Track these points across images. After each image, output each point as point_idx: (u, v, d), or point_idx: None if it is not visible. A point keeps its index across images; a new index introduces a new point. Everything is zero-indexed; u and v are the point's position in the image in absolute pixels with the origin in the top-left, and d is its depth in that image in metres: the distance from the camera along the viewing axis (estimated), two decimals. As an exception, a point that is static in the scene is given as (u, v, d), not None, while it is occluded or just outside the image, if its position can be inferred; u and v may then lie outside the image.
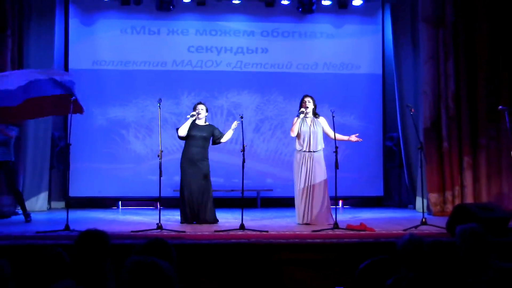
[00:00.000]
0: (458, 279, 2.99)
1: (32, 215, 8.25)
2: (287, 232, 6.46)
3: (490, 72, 8.46)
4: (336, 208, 7.09)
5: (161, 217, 6.67)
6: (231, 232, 6.34)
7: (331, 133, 7.28)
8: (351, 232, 6.46)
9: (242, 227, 6.50)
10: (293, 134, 7.28)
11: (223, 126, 8.17)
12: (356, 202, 9.88)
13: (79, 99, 6.60)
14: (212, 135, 7.41)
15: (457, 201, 8.22)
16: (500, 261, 3.57)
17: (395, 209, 9.32)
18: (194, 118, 7.33)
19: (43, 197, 9.02)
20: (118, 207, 9.55)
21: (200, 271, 5.37)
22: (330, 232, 6.42)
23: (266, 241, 5.84)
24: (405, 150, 9.28)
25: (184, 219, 7.28)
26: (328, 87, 9.59)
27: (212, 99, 9.42)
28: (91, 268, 3.24)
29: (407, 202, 9.55)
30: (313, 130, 7.27)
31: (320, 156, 7.30)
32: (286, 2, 9.34)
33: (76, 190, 9.17)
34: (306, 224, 7.11)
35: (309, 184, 7.20)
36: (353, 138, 7.43)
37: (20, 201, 7.56)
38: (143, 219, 7.73)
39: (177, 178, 9.28)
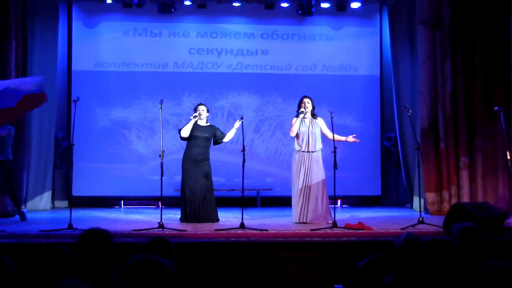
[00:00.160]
0: (454, 276, 3.00)
1: (36, 214, 8.30)
2: (286, 231, 6.47)
3: (486, 73, 8.46)
4: (334, 207, 7.11)
5: (163, 216, 6.68)
6: (231, 231, 6.35)
7: (328, 133, 7.29)
8: (350, 231, 6.47)
9: (242, 226, 6.50)
10: (293, 134, 7.29)
11: (223, 127, 8.17)
12: (355, 202, 9.88)
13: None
14: (214, 135, 7.42)
15: (454, 201, 8.22)
16: (495, 259, 3.58)
17: (393, 208, 9.32)
18: (196, 119, 7.33)
19: (46, 196, 9.03)
20: (120, 206, 9.54)
21: (201, 269, 5.37)
22: (329, 231, 6.43)
23: (266, 240, 5.85)
24: (403, 150, 9.28)
25: (184, 218, 7.28)
26: (327, 89, 9.59)
27: (213, 100, 9.42)
28: (94, 266, 3.24)
29: (404, 202, 9.55)
30: (311, 130, 7.28)
31: (318, 156, 7.30)
32: (285, 5, 9.33)
33: (79, 189, 9.17)
34: (304, 223, 7.11)
35: (307, 183, 7.21)
36: (350, 138, 7.43)
37: (14, 200, 7.52)
38: (145, 218, 7.73)
39: (178, 178, 9.27)
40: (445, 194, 8.42)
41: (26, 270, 2.91)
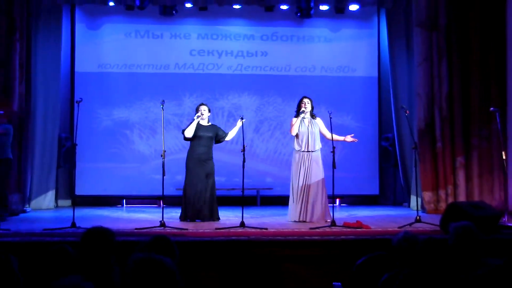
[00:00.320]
0: (451, 274, 2.99)
1: (40, 213, 8.32)
2: (286, 230, 6.47)
3: (482, 74, 8.46)
4: (333, 206, 7.10)
5: (164, 215, 6.68)
6: (231, 230, 6.35)
7: (327, 133, 7.29)
8: (348, 229, 6.47)
9: (242, 224, 6.50)
10: (293, 133, 7.29)
11: (224, 127, 8.15)
12: (353, 201, 9.87)
13: None
14: (216, 134, 7.42)
15: (450, 200, 8.22)
16: (491, 257, 3.58)
17: (391, 207, 9.32)
18: (199, 119, 7.33)
19: (50, 195, 9.03)
20: (122, 205, 9.54)
21: (201, 267, 5.37)
22: (328, 229, 6.43)
23: (266, 238, 5.84)
24: (400, 150, 9.28)
25: (185, 217, 7.26)
26: (326, 89, 9.59)
27: (214, 100, 9.41)
28: (97, 265, 3.24)
29: (402, 201, 9.55)
30: (311, 130, 7.28)
31: (318, 156, 7.31)
32: (285, 7, 9.33)
33: (82, 188, 9.17)
34: (303, 222, 7.10)
35: (307, 183, 7.21)
36: (349, 138, 7.44)
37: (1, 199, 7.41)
38: (146, 217, 7.72)
39: (180, 177, 9.27)
40: (442, 193, 8.42)
41: (30, 267, 2.91)
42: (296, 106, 7.51)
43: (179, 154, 9.37)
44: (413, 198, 8.67)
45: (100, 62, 9.53)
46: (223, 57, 9.76)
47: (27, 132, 8.38)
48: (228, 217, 7.41)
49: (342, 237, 5.93)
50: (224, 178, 9.19)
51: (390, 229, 6.49)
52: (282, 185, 9.45)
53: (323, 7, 9.33)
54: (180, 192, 9.16)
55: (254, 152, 9.58)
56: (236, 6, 9.28)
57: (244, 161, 6.71)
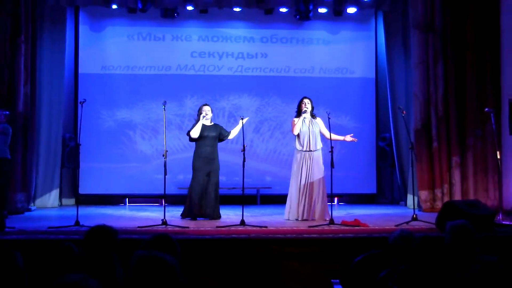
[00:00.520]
0: (447, 271, 3.00)
1: (44, 211, 8.34)
2: (285, 228, 6.48)
3: (477, 75, 8.46)
4: (331, 205, 7.11)
5: (166, 214, 6.68)
6: (232, 228, 6.36)
7: (327, 133, 7.29)
8: (346, 227, 6.47)
9: (242, 223, 6.50)
10: (296, 132, 7.29)
11: (224, 127, 8.16)
12: (351, 199, 9.87)
13: None
14: (219, 133, 7.44)
15: (446, 198, 8.22)
16: (486, 255, 3.58)
17: (388, 206, 9.32)
18: (204, 119, 7.34)
19: (54, 194, 9.04)
20: (125, 204, 9.54)
21: (203, 264, 5.37)
22: (326, 227, 6.43)
23: (265, 236, 5.84)
24: (397, 150, 9.28)
25: (188, 214, 7.24)
26: (324, 90, 9.58)
27: (214, 101, 9.40)
28: (100, 262, 3.24)
29: (398, 199, 9.55)
30: (312, 130, 7.28)
31: (319, 155, 7.30)
32: (284, 10, 9.33)
33: (86, 187, 9.17)
34: (305, 220, 7.09)
35: (309, 182, 7.20)
36: (348, 138, 7.44)
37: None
38: (149, 215, 7.73)
39: (181, 177, 9.31)
40: (438, 192, 8.42)
41: (35, 265, 2.91)
42: (296, 107, 7.51)
43: (180, 154, 9.39)
44: (409, 197, 8.66)
45: (103, 63, 9.53)
46: (224, 59, 9.76)
47: (32, 132, 8.38)
48: (229, 215, 7.41)
49: (341, 235, 5.93)
50: (225, 177, 9.16)
51: (387, 227, 6.49)
52: (281, 184, 9.45)
53: (322, 10, 9.33)
54: (182, 191, 9.19)
55: (254, 152, 9.58)
56: (236, 9, 9.27)
57: (244, 161, 6.71)
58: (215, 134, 7.39)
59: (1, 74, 8.10)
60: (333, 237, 5.81)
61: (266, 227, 6.40)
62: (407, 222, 6.66)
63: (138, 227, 6.36)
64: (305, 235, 5.88)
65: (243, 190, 6.90)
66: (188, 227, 6.38)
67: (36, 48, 8.57)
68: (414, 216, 6.83)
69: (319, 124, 7.38)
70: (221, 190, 7.56)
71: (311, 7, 9.05)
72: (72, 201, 9.29)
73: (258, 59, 9.81)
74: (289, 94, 9.60)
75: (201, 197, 7.23)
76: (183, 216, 7.32)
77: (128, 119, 9.53)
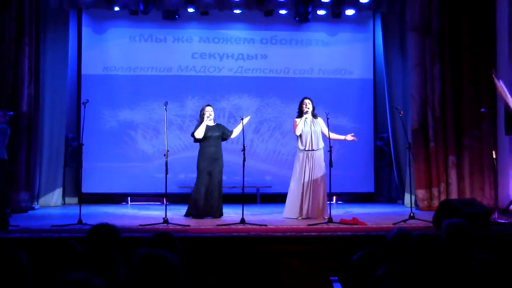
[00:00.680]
0: (443, 269, 3.00)
1: (48, 210, 8.35)
2: (284, 226, 6.48)
3: (473, 77, 8.47)
4: (330, 204, 7.11)
5: (167, 212, 6.68)
6: (232, 226, 6.36)
7: (328, 133, 7.30)
8: (344, 226, 6.47)
9: (242, 221, 6.50)
10: (298, 133, 7.29)
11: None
12: (349, 198, 9.87)
13: None
14: (222, 133, 7.44)
15: (443, 197, 8.23)
16: (481, 253, 3.58)
17: (385, 205, 9.32)
18: (208, 119, 7.34)
19: (58, 193, 9.04)
20: (127, 203, 9.54)
21: (203, 262, 5.37)
22: (325, 226, 6.43)
23: (265, 234, 5.85)
24: (395, 149, 9.27)
25: (192, 214, 7.23)
26: (323, 91, 9.57)
27: (215, 102, 9.39)
28: (102, 260, 3.24)
29: (396, 198, 9.55)
30: (313, 129, 7.29)
31: (321, 154, 7.30)
32: (283, 12, 9.33)
33: (89, 186, 9.17)
34: (309, 218, 7.07)
35: (312, 181, 7.19)
36: (349, 137, 7.46)
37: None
38: (150, 214, 7.73)
39: (182, 176, 9.32)
40: (435, 191, 8.42)
41: (39, 263, 2.91)
42: (297, 107, 7.52)
43: (181, 154, 9.39)
44: (407, 196, 8.66)
45: (106, 65, 9.53)
46: (224, 60, 9.76)
47: (35, 133, 8.38)
48: (229, 214, 7.40)
49: (339, 233, 5.94)
50: (226, 177, 9.11)
51: (385, 225, 6.49)
52: (281, 183, 9.46)
53: (321, 12, 9.33)
54: (183, 190, 9.22)
55: (254, 152, 9.58)
56: (237, 11, 9.28)
57: (244, 160, 6.71)
58: (219, 134, 7.40)
59: (5, 75, 8.10)
60: (331, 235, 5.81)
61: (266, 225, 6.40)
62: (404, 221, 6.66)
63: (140, 225, 6.36)
64: (304, 233, 5.89)
65: (243, 189, 6.90)
66: (189, 226, 6.38)
67: (39, 50, 8.57)
68: (412, 214, 6.83)
69: (320, 124, 7.37)
70: (223, 189, 7.56)
71: (310, 9, 9.05)
72: (75, 200, 9.29)
73: (258, 60, 9.81)
74: (288, 94, 9.60)
75: (205, 197, 7.23)
76: (187, 215, 7.31)
77: (130, 120, 9.53)
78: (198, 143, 7.47)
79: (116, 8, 8.98)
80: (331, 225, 6.45)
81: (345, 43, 9.87)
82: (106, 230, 3.39)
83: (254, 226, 6.33)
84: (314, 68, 9.83)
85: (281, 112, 9.70)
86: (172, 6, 8.96)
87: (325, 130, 7.35)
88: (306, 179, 7.20)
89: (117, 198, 9.55)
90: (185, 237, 5.53)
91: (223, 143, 7.60)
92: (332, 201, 8.74)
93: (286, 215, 7.26)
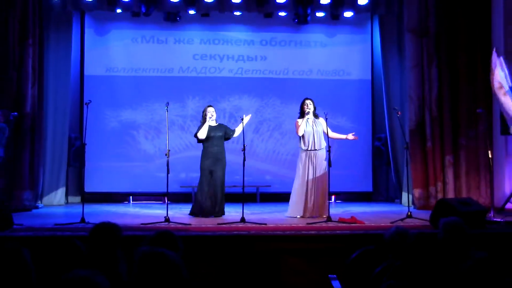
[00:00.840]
0: (440, 266, 3.00)
1: (51, 209, 8.36)
2: (284, 225, 6.47)
3: (469, 78, 8.47)
4: (329, 203, 7.10)
5: (169, 211, 6.68)
6: (233, 225, 6.35)
7: (329, 132, 7.32)
8: (343, 224, 6.47)
9: (242, 220, 6.50)
10: (300, 133, 7.28)
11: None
12: (348, 197, 9.87)
13: None
14: (225, 132, 7.44)
15: (440, 196, 8.22)
16: (478, 250, 3.58)
17: (383, 204, 9.32)
18: (210, 120, 7.34)
19: (61, 192, 9.04)
20: (129, 202, 9.54)
21: (204, 260, 5.37)
22: (324, 224, 6.43)
23: (265, 233, 5.85)
24: (392, 149, 9.28)
25: (199, 212, 7.21)
26: (322, 92, 9.56)
27: (215, 102, 9.37)
28: (104, 258, 3.24)
29: (394, 197, 9.55)
30: (315, 129, 7.28)
31: (323, 154, 7.29)
32: (283, 14, 9.33)
33: (91, 186, 9.17)
34: (314, 217, 7.04)
35: (316, 180, 7.18)
36: (350, 136, 7.46)
37: None
38: (152, 213, 7.72)
39: (183, 175, 9.32)
40: (432, 190, 8.42)
41: (42, 260, 2.91)
42: (297, 108, 7.52)
43: (182, 153, 9.39)
44: (404, 195, 8.67)
45: (108, 66, 9.53)
46: (225, 61, 9.76)
47: (39, 133, 8.38)
48: (230, 213, 7.40)
49: (338, 231, 5.94)
50: (226, 176, 9.14)
51: (382, 224, 6.49)
52: (280, 183, 9.47)
53: (319, 14, 9.33)
54: (184, 189, 9.22)
55: (254, 152, 9.58)
56: (237, 13, 9.28)
57: (244, 160, 6.71)
58: (221, 134, 7.40)
59: (9, 76, 8.10)
60: (330, 234, 5.81)
61: (265, 224, 6.40)
62: (402, 219, 6.66)
63: (142, 224, 6.36)
64: (303, 232, 5.88)
65: (243, 188, 6.90)
66: (190, 224, 6.38)
67: (43, 51, 8.58)
68: (409, 213, 6.83)
69: (322, 124, 7.36)
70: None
71: (309, 11, 9.05)
72: (77, 199, 9.29)
73: (257, 62, 9.81)
74: (288, 95, 9.60)
75: (209, 197, 7.22)
76: (191, 214, 7.30)
77: (132, 120, 9.53)
78: (201, 143, 7.46)
79: (118, 10, 8.99)
80: (330, 224, 6.45)
81: (343, 45, 9.87)
82: (108, 228, 3.38)
83: (254, 225, 6.32)
84: (313, 69, 9.83)
85: (281, 112, 9.70)
86: (173, 8, 8.97)
87: (327, 130, 7.34)
88: (310, 178, 7.19)
89: (119, 197, 9.54)
90: (186, 235, 5.53)
91: (225, 143, 7.60)
92: (331, 200, 8.74)
93: (291, 214, 7.23)
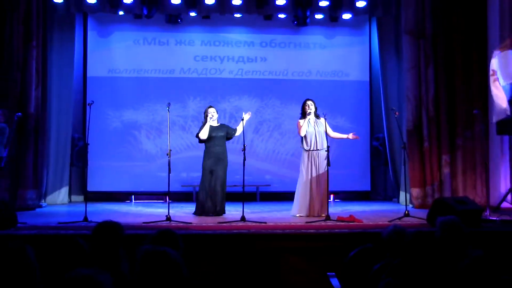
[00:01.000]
0: (437, 265, 3.00)
1: (55, 208, 8.36)
2: (283, 223, 6.47)
3: (465, 79, 8.47)
4: (328, 202, 7.10)
5: (170, 210, 6.68)
6: (233, 223, 6.36)
7: (331, 132, 7.33)
8: (341, 223, 6.47)
9: (243, 218, 6.50)
10: (302, 134, 7.28)
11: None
12: (346, 196, 9.87)
13: None
14: (227, 132, 7.44)
15: (437, 195, 8.22)
16: (474, 248, 3.58)
17: (381, 203, 9.31)
18: (211, 120, 7.34)
19: (64, 191, 9.04)
20: (131, 201, 9.54)
21: (205, 258, 5.37)
22: (323, 223, 6.43)
23: (265, 232, 5.84)
24: (390, 149, 9.28)
25: (202, 212, 7.21)
26: (321, 93, 9.56)
27: (216, 103, 9.37)
28: (107, 256, 3.24)
29: (391, 196, 9.55)
30: (317, 130, 7.28)
31: (325, 154, 7.28)
32: (282, 16, 9.33)
33: (94, 185, 9.17)
34: (315, 216, 7.03)
35: (320, 180, 7.17)
36: (351, 136, 7.46)
37: None
38: (153, 212, 7.72)
39: (184, 175, 9.33)
40: (429, 189, 8.42)
41: (46, 258, 2.91)
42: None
43: (183, 153, 9.39)
44: (402, 194, 8.67)
45: (110, 67, 9.53)
46: (225, 63, 9.76)
47: (42, 133, 8.38)
48: (230, 211, 7.40)
49: (336, 230, 5.93)
50: (227, 176, 9.17)
51: (380, 223, 6.48)
52: (280, 182, 9.48)
53: (318, 16, 9.33)
54: (185, 189, 9.22)
55: (254, 151, 9.58)
56: (237, 15, 9.28)
57: (244, 160, 6.71)
58: (223, 134, 7.40)
59: (14, 78, 8.10)
60: (329, 232, 5.81)
61: (265, 222, 6.39)
62: (399, 218, 6.66)
63: (143, 222, 6.36)
64: (302, 230, 5.88)
65: (243, 188, 6.90)
66: (191, 223, 6.38)
67: (46, 53, 8.57)
68: (406, 212, 6.83)
69: (323, 124, 7.35)
70: (224, 187, 7.57)
71: (308, 13, 9.05)
72: (80, 198, 9.29)
73: (257, 63, 9.81)
74: (287, 96, 9.61)
75: (211, 196, 7.22)
76: (195, 213, 7.30)
77: (134, 120, 9.53)
78: (203, 143, 7.46)
79: (121, 12, 8.99)
80: (329, 223, 6.45)
81: (342, 46, 9.87)
82: (110, 227, 3.39)
83: (254, 224, 6.32)
84: (312, 70, 9.83)
85: (280, 113, 9.70)
86: (174, 10, 8.97)
87: (328, 130, 7.34)
88: (314, 178, 7.18)
89: (121, 196, 9.55)
90: (187, 234, 5.53)
91: (226, 142, 7.59)
92: (330, 199, 8.74)
93: (296, 213, 7.21)
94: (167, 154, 6.80)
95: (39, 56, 8.31)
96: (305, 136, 7.27)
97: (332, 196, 9.46)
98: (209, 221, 6.60)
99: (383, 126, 9.37)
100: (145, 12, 8.73)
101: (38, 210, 8.03)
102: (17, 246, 2.53)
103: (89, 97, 9.06)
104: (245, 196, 6.85)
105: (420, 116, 8.50)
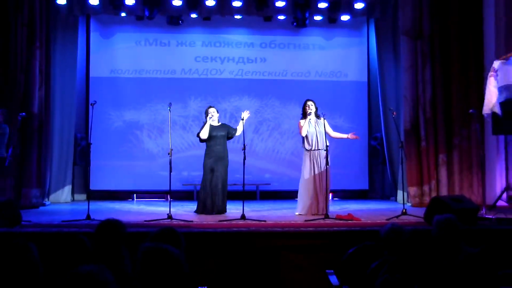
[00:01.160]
0: (434, 262, 3.00)
1: (58, 206, 8.36)
2: (283, 222, 6.47)
3: (462, 79, 8.47)
4: (328, 200, 7.09)
5: (171, 208, 6.68)
6: (233, 222, 6.35)
7: (331, 132, 7.32)
8: (340, 221, 6.47)
9: (243, 217, 6.50)
10: (303, 134, 7.27)
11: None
12: (345, 195, 9.87)
13: None
14: (227, 132, 7.43)
15: (433, 194, 8.22)
16: (469, 246, 3.59)
17: (379, 201, 9.32)
18: (211, 120, 7.34)
19: (67, 190, 9.04)
20: (133, 199, 9.54)
21: (205, 256, 5.37)
22: (322, 221, 6.43)
23: (265, 230, 5.84)
24: (388, 148, 9.27)
25: (203, 210, 7.21)
26: (320, 93, 9.55)
27: (216, 103, 9.37)
28: (109, 253, 3.25)
29: (389, 195, 9.55)
30: (318, 130, 7.27)
31: (326, 153, 7.27)
32: (282, 17, 9.34)
33: (96, 184, 9.17)
34: (316, 214, 7.02)
35: (320, 180, 7.16)
36: (351, 135, 7.45)
37: None
38: (155, 210, 7.71)
39: (185, 173, 9.32)
40: (426, 188, 8.42)
41: (49, 256, 2.91)
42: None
43: (184, 152, 9.39)
44: (399, 193, 8.66)
45: (113, 67, 9.54)
46: (225, 63, 9.76)
47: (46, 133, 8.39)
48: (230, 210, 7.39)
49: (335, 228, 5.93)
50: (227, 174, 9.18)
51: (378, 221, 6.48)
52: (279, 181, 9.48)
53: (317, 17, 9.34)
54: (186, 187, 9.22)
55: (254, 151, 9.58)
56: (237, 16, 9.29)
57: (244, 159, 6.70)
58: (224, 133, 7.40)
59: (17, 78, 8.10)
60: (328, 230, 5.81)
61: (265, 221, 6.40)
62: (397, 216, 6.66)
63: (145, 221, 6.36)
64: (301, 228, 5.88)
65: (243, 186, 6.89)
66: (192, 221, 6.38)
67: (50, 54, 8.58)
68: (404, 210, 6.83)
69: (324, 124, 7.34)
70: (224, 186, 7.56)
71: (307, 14, 9.05)
72: (83, 196, 9.29)
73: (257, 64, 9.81)
74: (286, 96, 9.61)
75: (212, 195, 7.22)
76: (197, 212, 7.30)
77: (135, 120, 9.53)
78: (204, 143, 7.45)
79: (123, 14, 8.99)
80: (328, 221, 6.45)
81: (340, 47, 9.87)
82: (113, 225, 3.39)
83: (254, 222, 6.32)
84: (311, 71, 9.83)
85: (280, 113, 9.70)
86: (175, 12, 8.97)
87: (329, 130, 7.33)
88: (317, 178, 7.17)
89: (123, 195, 9.55)
90: (188, 232, 5.52)
91: (226, 142, 7.59)
92: (329, 198, 8.73)
93: (301, 212, 7.19)
94: (169, 154, 6.80)
95: (42, 57, 8.31)
96: (306, 136, 7.27)
97: (331, 194, 9.45)
98: (210, 220, 6.60)
99: (381, 126, 9.36)
100: (146, 13, 8.74)
101: (41, 208, 8.03)
102: (21, 244, 2.54)
103: (91, 97, 9.07)
104: (245, 195, 6.85)
105: (417, 116, 8.50)
